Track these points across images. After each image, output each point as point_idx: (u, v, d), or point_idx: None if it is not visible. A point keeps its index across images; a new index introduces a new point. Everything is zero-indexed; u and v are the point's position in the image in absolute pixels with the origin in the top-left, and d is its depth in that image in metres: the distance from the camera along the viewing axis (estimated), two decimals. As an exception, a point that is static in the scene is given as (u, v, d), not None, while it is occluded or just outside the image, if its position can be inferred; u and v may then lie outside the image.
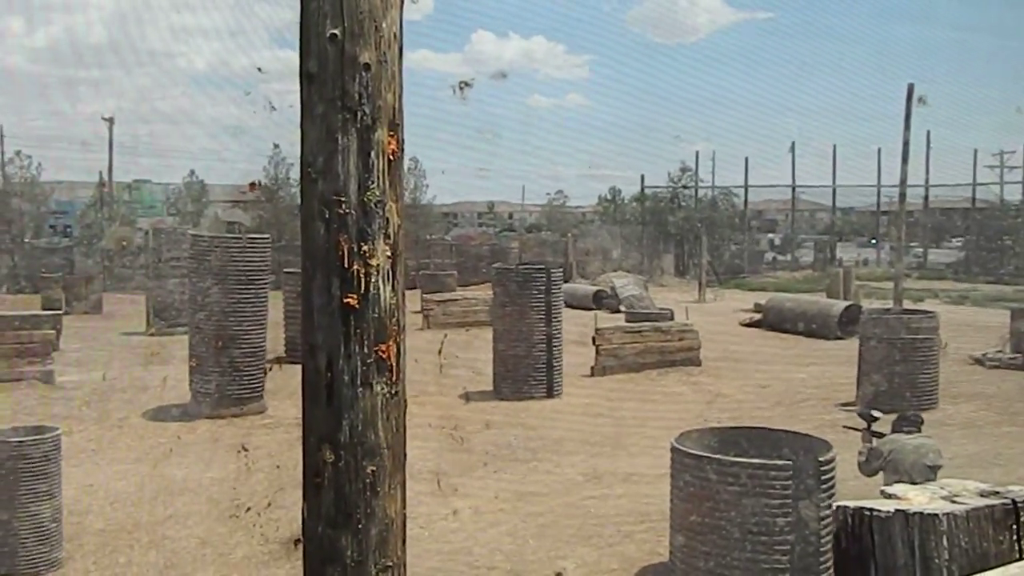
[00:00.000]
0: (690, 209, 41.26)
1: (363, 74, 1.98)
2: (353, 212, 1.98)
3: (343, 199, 1.98)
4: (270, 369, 11.61)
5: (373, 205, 1.99)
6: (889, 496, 2.84)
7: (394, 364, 2.03)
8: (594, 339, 16.00)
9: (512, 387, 14.12)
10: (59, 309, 20.94)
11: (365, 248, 1.98)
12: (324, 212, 1.98)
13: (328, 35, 1.97)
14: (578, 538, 8.09)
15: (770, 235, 50.79)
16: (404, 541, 2.08)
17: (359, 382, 1.99)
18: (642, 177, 44.04)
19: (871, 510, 2.64)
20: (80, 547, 7.69)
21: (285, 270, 16.79)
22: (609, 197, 49.42)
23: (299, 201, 2.07)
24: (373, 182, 2.00)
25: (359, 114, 1.98)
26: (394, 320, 2.03)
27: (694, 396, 14.46)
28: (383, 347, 2.01)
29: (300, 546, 2.08)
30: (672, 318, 18.40)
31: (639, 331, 16.14)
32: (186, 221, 38.63)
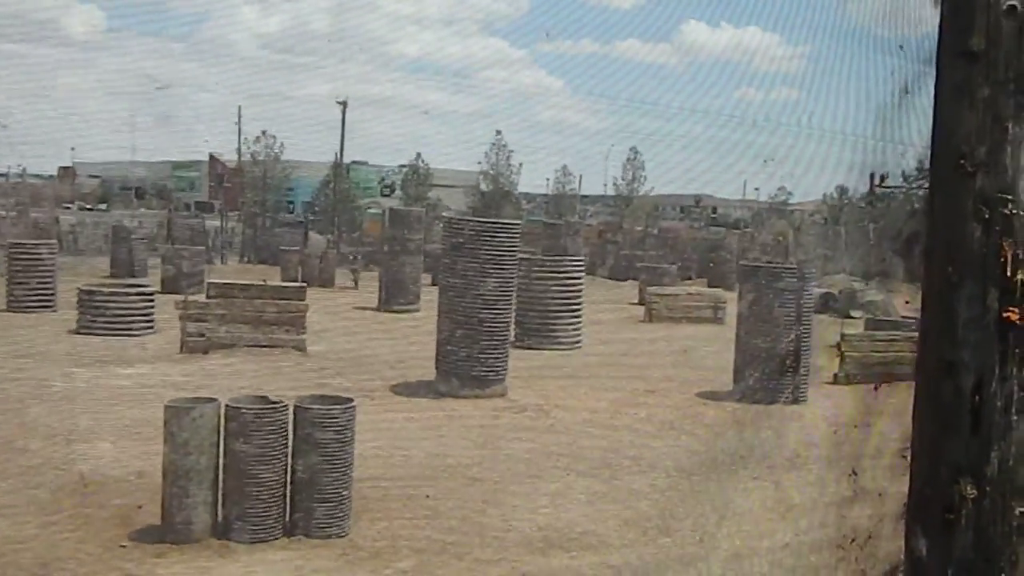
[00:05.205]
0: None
1: (1044, 53, 1.70)
2: (1021, 213, 1.71)
3: (1010, 198, 1.71)
4: None
5: (1045, 207, 1.72)
6: None
7: (1051, 392, 1.75)
8: (839, 344, 15.20)
9: (756, 390, 13.60)
10: (297, 281, 22.11)
11: (1032, 256, 1.71)
12: (983, 212, 1.72)
13: (1005, 7, 1.70)
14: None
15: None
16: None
17: (1014, 410, 1.72)
18: (871, 176, 41.67)
19: None
20: (366, 512, 7.92)
21: (521, 256, 16.91)
22: (836, 196, 47.30)
23: (928, 196, 1.82)
24: (1046, 179, 1.72)
25: (1035, 100, 1.71)
26: (1056, 341, 1.75)
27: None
28: (1042, 371, 1.73)
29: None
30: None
31: (890, 339, 15.18)
32: (410, 202, 40.08)
